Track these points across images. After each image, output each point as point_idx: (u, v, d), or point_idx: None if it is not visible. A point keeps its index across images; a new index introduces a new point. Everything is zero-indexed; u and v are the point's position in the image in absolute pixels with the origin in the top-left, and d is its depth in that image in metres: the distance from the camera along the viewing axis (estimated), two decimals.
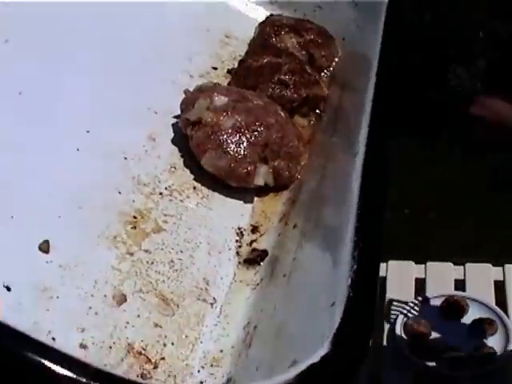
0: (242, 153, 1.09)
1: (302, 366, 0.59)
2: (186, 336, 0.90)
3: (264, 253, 1.03)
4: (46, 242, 0.91)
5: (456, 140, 3.70)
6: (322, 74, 1.39)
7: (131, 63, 1.24)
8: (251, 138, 1.10)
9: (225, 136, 1.09)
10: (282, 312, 0.84)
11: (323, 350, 0.60)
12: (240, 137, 1.10)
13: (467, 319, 2.54)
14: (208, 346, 0.90)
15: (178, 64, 1.30)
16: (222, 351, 0.89)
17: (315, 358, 0.59)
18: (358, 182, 0.83)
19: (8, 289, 0.83)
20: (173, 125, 1.17)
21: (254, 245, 1.05)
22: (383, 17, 1.26)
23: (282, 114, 1.18)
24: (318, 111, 1.30)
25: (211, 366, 0.87)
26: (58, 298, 0.86)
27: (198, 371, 0.86)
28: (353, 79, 1.26)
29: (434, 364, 2.38)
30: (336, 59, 1.44)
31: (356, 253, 0.71)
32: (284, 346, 0.76)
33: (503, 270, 2.72)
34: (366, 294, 0.67)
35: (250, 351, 0.85)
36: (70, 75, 1.14)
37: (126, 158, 1.08)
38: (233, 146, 1.09)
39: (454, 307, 2.57)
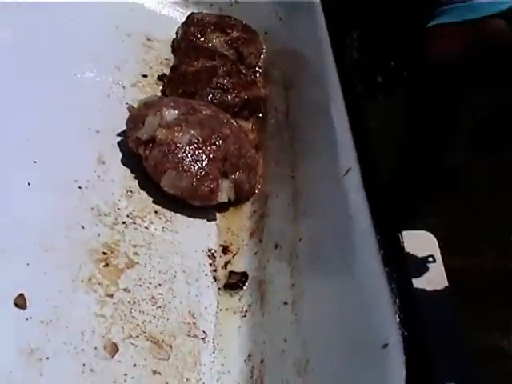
0: (203, 170, 1.03)
1: None
2: (187, 379, 0.84)
3: (244, 275, 0.98)
4: (21, 295, 0.82)
5: None
6: (254, 72, 1.35)
7: (61, 81, 1.14)
8: (210, 152, 1.04)
9: (183, 154, 1.03)
10: (298, 346, 0.79)
11: None
12: (198, 153, 1.03)
13: None
14: None
15: (107, 75, 1.21)
16: None
17: None
18: (364, 199, 0.79)
19: None
20: (119, 143, 1.09)
21: (230, 267, 1.00)
22: (309, 8, 1.22)
23: (234, 123, 1.12)
24: (258, 113, 1.26)
25: None
26: (47, 358, 0.78)
27: None
28: (295, 78, 1.22)
29: None
30: (262, 55, 1.39)
31: (393, 285, 0.67)
32: None
33: None
34: (419, 331, 0.64)
35: None
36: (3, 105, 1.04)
37: (80, 188, 0.99)
38: (193, 164, 1.03)
39: None
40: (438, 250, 2.59)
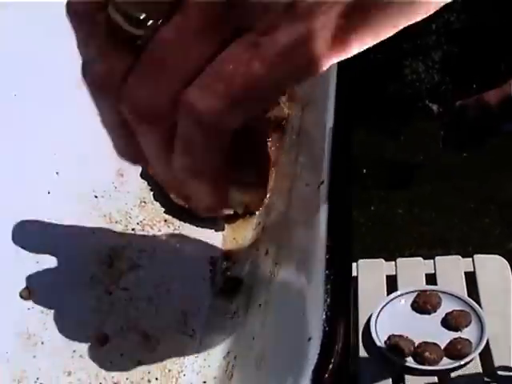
0: None
1: None
2: (169, 370, 0.93)
3: (238, 281, 1.05)
4: (27, 288, 0.93)
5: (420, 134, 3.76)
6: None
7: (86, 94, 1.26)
8: None
9: None
10: (260, 343, 0.87)
11: None
12: None
13: (440, 313, 2.60)
14: (191, 378, 0.92)
15: None
16: (204, 382, 0.92)
17: None
18: (326, 211, 0.86)
19: None
20: None
21: (228, 273, 1.08)
22: None
23: None
24: (279, 132, 1.33)
25: None
26: (42, 343, 0.88)
27: None
28: (311, 97, 1.29)
29: (411, 360, 2.43)
30: None
31: (328, 286, 0.74)
32: (264, 379, 0.79)
33: (473, 260, 2.77)
34: (342, 328, 0.70)
35: (232, 382, 0.88)
36: (33, 118, 1.16)
37: (96, 197, 1.10)
38: None
39: (426, 302, 2.62)
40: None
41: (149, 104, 0.53)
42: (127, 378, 0.90)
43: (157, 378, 0.91)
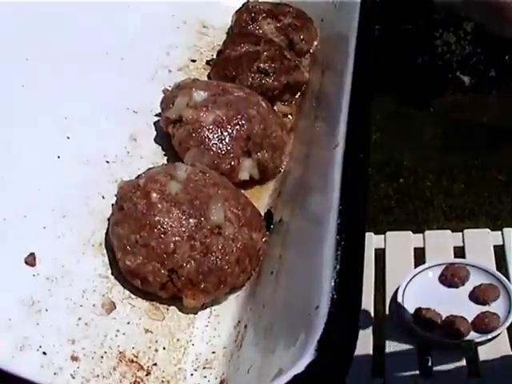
0: (225, 148, 1.08)
1: (287, 377, 0.59)
2: (178, 339, 0.90)
3: None
4: (32, 254, 0.90)
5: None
6: (303, 57, 1.39)
7: (108, 61, 1.23)
8: (233, 132, 1.09)
9: (206, 132, 1.08)
10: (270, 312, 0.84)
11: (307, 359, 0.60)
12: (221, 132, 1.09)
13: (468, 286, 2.55)
14: (200, 348, 0.90)
15: (155, 59, 1.29)
16: (214, 353, 0.89)
17: (300, 368, 0.59)
18: (339, 174, 0.82)
19: None
20: (154, 123, 1.16)
21: None
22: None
23: (264, 105, 1.16)
24: (299, 97, 1.29)
25: (204, 368, 0.87)
26: (46, 310, 0.86)
27: (191, 374, 0.86)
28: (331, 60, 1.25)
29: (438, 333, 2.39)
30: (315, 42, 1.43)
31: (339, 252, 0.70)
32: (271, 348, 0.76)
33: (502, 234, 2.71)
34: (351, 297, 0.67)
35: (241, 352, 0.85)
36: (47, 81, 1.13)
37: (108, 162, 1.07)
38: (215, 142, 1.08)
39: (454, 275, 2.57)
40: None
41: None
42: (133, 347, 0.87)
43: (164, 348, 0.89)
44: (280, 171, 1.15)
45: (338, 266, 0.69)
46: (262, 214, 1.05)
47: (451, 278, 2.56)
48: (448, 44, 3.78)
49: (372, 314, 2.51)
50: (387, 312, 2.56)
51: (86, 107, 1.13)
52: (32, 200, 0.96)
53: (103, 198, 1.02)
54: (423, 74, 3.82)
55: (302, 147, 1.12)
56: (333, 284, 0.67)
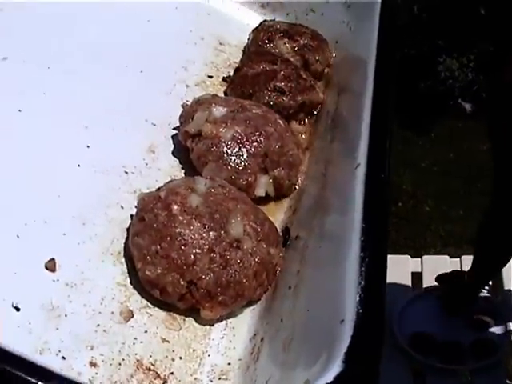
0: (242, 164, 1.10)
1: None
2: (194, 350, 0.91)
3: None
4: (52, 260, 0.91)
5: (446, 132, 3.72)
6: (317, 78, 1.41)
7: (128, 75, 1.25)
8: (251, 148, 1.11)
9: (225, 148, 1.10)
10: (289, 326, 0.85)
11: (336, 369, 0.61)
12: (240, 148, 1.11)
13: (465, 312, 2.55)
14: (215, 359, 0.91)
15: (174, 74, 1.30)
16: (229, 364, 0.90)
17: (329, 378, 0.60)
18: (362, 194, 0.83)
19: (17, 309, 0.84)
20: (172, 137, 1.18)
21: None
22: (376, 17, 1.26)
23: (281, 123, 1.18)
24: (314, 117, 1.31)
25: (219, 379, 0.88)
26: (66, 316, 0.87)
27: None
28: (348, 82, 1.27)
29: (434, 358, 2.40)
30: (330, 62, 1.45)
31: (363, 268, 0.72)
32: (293, 361, 0.77)
33: None
34: (375, 311, 0.68)
35: (258, 364, 0.86)
36: (68, 91, 1.15)
37: (126, 172, 1.08)
38: (233, 158, 1.10)
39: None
40: None
41: None
42: (151, 356, 0.88)
43: (181, 357, 0.89)
44: (295, 189, 1.16)
45: (362, 282, 0.70)
46: (279, 229, 1.07)
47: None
48: (451, 70, 3.82)
49: None
50: None
51: (106, 118, 1.14)
52: (52, 207, 0.98)
53: (122, 207, 1.03)
54: (425, 99, 3.85)
55: (318, 166, 1.14)
56: (358, 299, 0.69)
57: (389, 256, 2.36)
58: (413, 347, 2.43)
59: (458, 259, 2.77)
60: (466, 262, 2.73)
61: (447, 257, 2.81)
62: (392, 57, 1.12)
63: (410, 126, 3.85)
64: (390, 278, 2.36)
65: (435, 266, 2.76)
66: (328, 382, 0.60)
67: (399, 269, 2.76)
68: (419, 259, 2.81)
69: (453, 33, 3.77)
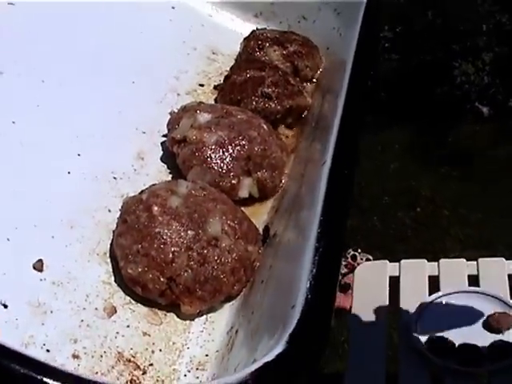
0: (226, 167, 1.14)
1: (258, 364, 0.64)
2: (174, 343, 0.96)
3: None
4: (40, 260, 0.97)
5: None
6: (307, 83, 1.45)
7: (120, 86, 1.31)
8: (234, 152, 1.16)
9: (209, 152, 1.15)
10: (257, 316, 0.89)
11: (279, 349, 0.66)
12: (223, 152, 1.15)
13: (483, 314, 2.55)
14: (194, 351, 0.95)
15: (165, 84, 1.36)
16: (207, 355, 0.95)
17: (270, 357, 0.65)
18: (324, 188, 0.88)
19: (5, 306, 0.90)
20: (161, 143, 1.23)
21: None
22: (359, 21, 1.31)
23: (265, 127, 1.23)
24: (301, 120, 1.36)
25: (197, 369, 0.93)
26: (51, 312, 0.92)
27: (185, 375, 0.92)
28: (332, 86, 1.31)
29: (451, 361, 2.39)
30: (320, 69, 1.49)
31: (316, 257, 0.76)
32: (255, 347, 0.81)
33: None
34: (323, 297, 0.72)
35: (231, 354, 0.91)
36: (62, 102, 1.21)
37: (115, 178, 1.14)
38: (217, 162, 1.15)
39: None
40: None
41: None
42: (131, 348, 0.93)
43: (160, 350, 0.94)
44: (279, 190, 1.20)
45: (314, 270, 0.75)
46: (260, 229, 1.11)
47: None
48: (467, 74, 3.83)
49: (385, 342, 2.53)
50: (401, 339, 2.57)
51: (97, 127, 1.20)
52: (42, 211, 1.03)
53: (109, 211, 1.08)
54: (442, 104, 3.86)
55: (299, 167, 1.18)
56: (308, 285, 0.73)
57: (405, 261, 2.39)
58: (430, 350, 2.44)
59: (475, 262, 2.77)
60: (483, 265, 2.73)
61: (464, 260, 2.81)
62: (367, 58, 1.16)
63: (427, 131, 3.86)
64: (407, 282, 2.38)
65: (452, 270, 2.77)
66: (269, 359, 0.64)
67: (416, 273, 2.77)
68: (436, 263, 2.81)
69: (467, 37, 3.79)
